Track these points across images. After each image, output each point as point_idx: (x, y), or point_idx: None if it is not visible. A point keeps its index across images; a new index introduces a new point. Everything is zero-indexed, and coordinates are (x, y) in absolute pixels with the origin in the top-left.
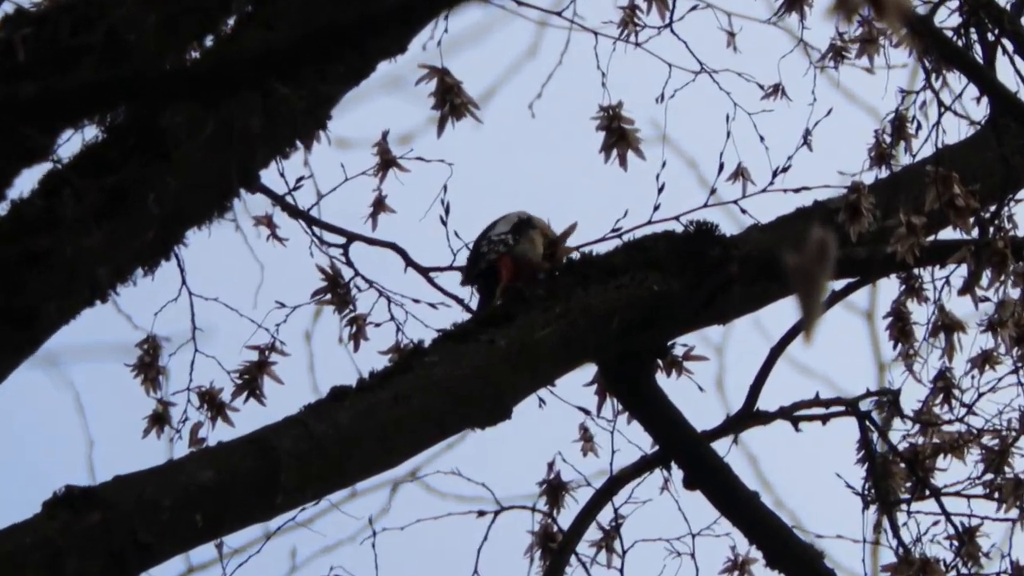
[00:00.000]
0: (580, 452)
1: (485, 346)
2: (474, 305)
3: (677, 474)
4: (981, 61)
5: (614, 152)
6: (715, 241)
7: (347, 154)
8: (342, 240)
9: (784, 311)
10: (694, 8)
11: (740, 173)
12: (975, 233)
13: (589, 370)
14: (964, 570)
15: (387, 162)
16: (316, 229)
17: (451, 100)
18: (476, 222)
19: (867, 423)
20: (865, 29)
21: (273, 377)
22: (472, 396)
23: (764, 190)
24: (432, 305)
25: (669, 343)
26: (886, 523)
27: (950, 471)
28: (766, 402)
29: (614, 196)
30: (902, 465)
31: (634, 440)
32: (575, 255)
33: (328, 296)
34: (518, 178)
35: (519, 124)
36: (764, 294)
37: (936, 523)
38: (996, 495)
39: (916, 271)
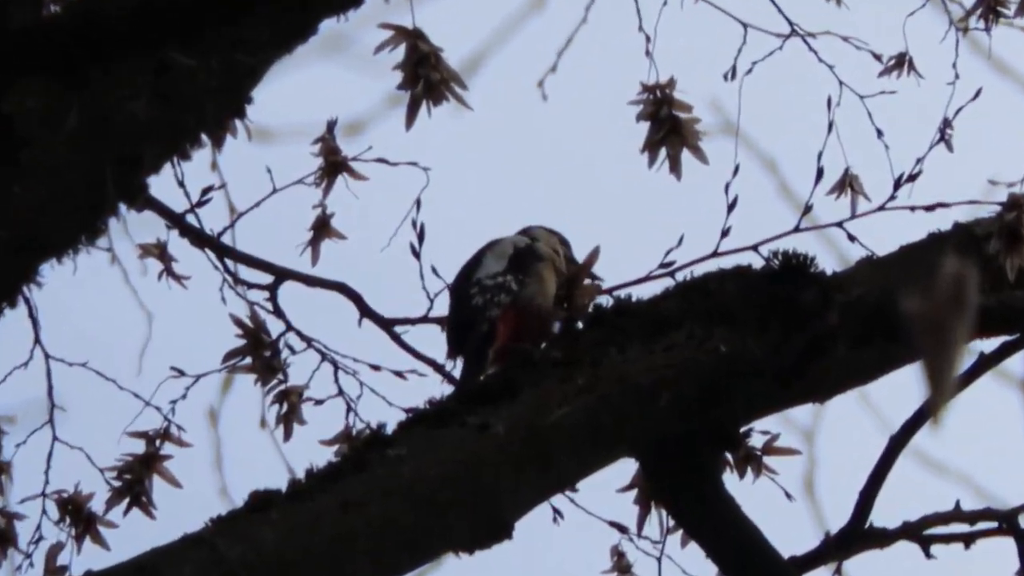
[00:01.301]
0: None
1: (475, 433)
2: (458, 374)
3: None
4: None
5: (662, 152)
6: (810, 281)
7: (275, 153)
8: (268, 279)
9: (908, 383)
10: None
11: (847, 183)
12: None
13: (626, 468)
14: None
15: (334, 165)
16: (230, 263)
17: (426, 75)
18: (462, 252)
19: None
20: None
21: (166, 477)
22: (456, 505)
23: (882, 208)
24: (398, 374)
25: (742, 429)
26: None
27: None
28: (882, 516)
29: (662, 216)
30: None
31: (691, 570)
32: (604, 299)
33: (247, 360)
34: (521, 188)
35: (523, 110)
36: (880, 358)
37: None
38: None
39: None
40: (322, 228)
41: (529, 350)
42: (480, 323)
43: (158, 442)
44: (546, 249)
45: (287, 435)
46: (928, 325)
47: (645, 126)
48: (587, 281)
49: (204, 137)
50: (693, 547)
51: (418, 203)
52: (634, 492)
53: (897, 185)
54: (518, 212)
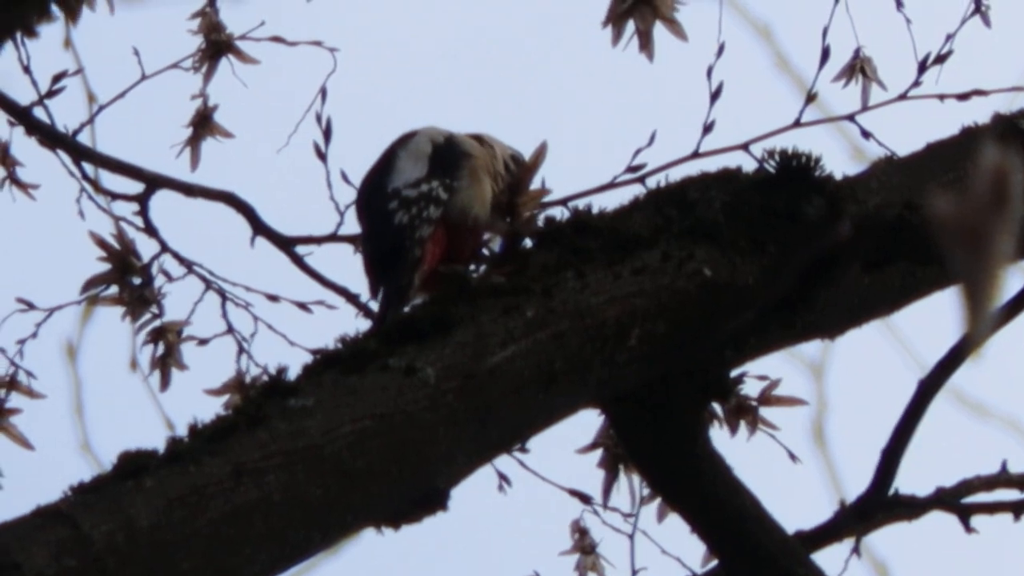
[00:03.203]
0: (574, 572)
1: (399, 379)
2: (376, 306)
3: None
4: None
5: (629, 26)
6: (814, 188)
7: (144, 30)
8: (137, 187)
9: (941, 313)
10: None
11: (858, 67)
12: None
13: (589, 423)
14: None
15: (217, 45)
16: (90, 167)
17: None
18: (375, 150)
19: None
20: None
21: (13, 436)
22: (375, 470)
23: (903, 96)
24: (301, 305)
25: (733, 374)
26: None
27: None
28: (910, 480)
29: (630, 109)
30: None
31: (672, 549)
32: (559, 211)
33: (112, 289)
34: (452, 74)
35: None
36: (904, 283)
37: None
38: None
39: None
40: (203, 124)
41: (465, 274)
42: (409, 248)
43: (3, 392)
44: (478, 145)
45: (164, 383)
46: (964, 238)
47: None
48: (535, 186)
49: (53, 7)
50: (673, 520)
51: (323, 92)
52: (598, 453)
53: (922, 68)
54: (449, 105)
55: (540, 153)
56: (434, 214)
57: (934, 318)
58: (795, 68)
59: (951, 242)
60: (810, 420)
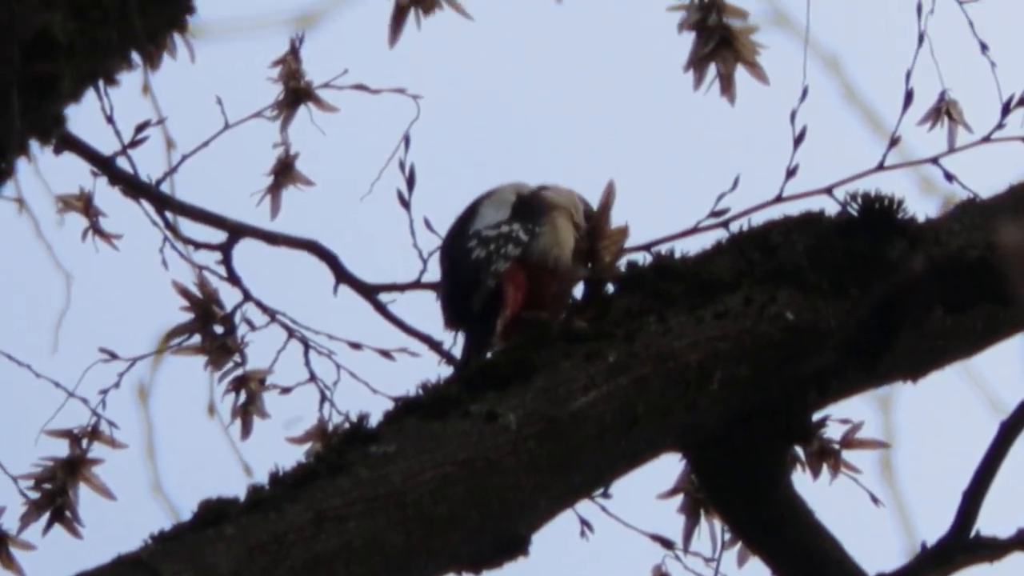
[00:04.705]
0: None
1: (481, 425)
2: (459, 351)
3: None
4: None
5: (711, 70)
6: (897, 231)
7: (223, 76)
8: (219, 236)
9: (1020, 354)
10: None
11: (943, 110)
12: None
13: (670, 468)
14: None
15: (297, 93)
16: (172, 217)
17: None
18: (462, 201)
19: None
20: None
21: (95, 486)
22: (457, 516)
23: (987, 139)
24: (384, 353)
25: (815, 417)
26: None
27: None
28: (991, 522)
29: (712, 153)
30: None
31: None
32: (641, 256)
33: (195, 338)
34: (533, 122)
35: (535, 21)
36: (986, 325)
37: None
38: None
39: None
40: (284, 172)
41: (546, 319)
42: (484, 280)
43: (85, 442)
44: (560, 195)
45: (245, 431)
46: None
47: (690, 37)
48: (611, 227)
49: (134, 56)
50: (754, 564)
51: (406, 140)
52: (679, 498)
53: (1006, 111)
54: (530, 151)
55: (609, 193)
56: (512, 252)
57: (1015, 362)
58: (865, 100)
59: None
60: (879, 456)
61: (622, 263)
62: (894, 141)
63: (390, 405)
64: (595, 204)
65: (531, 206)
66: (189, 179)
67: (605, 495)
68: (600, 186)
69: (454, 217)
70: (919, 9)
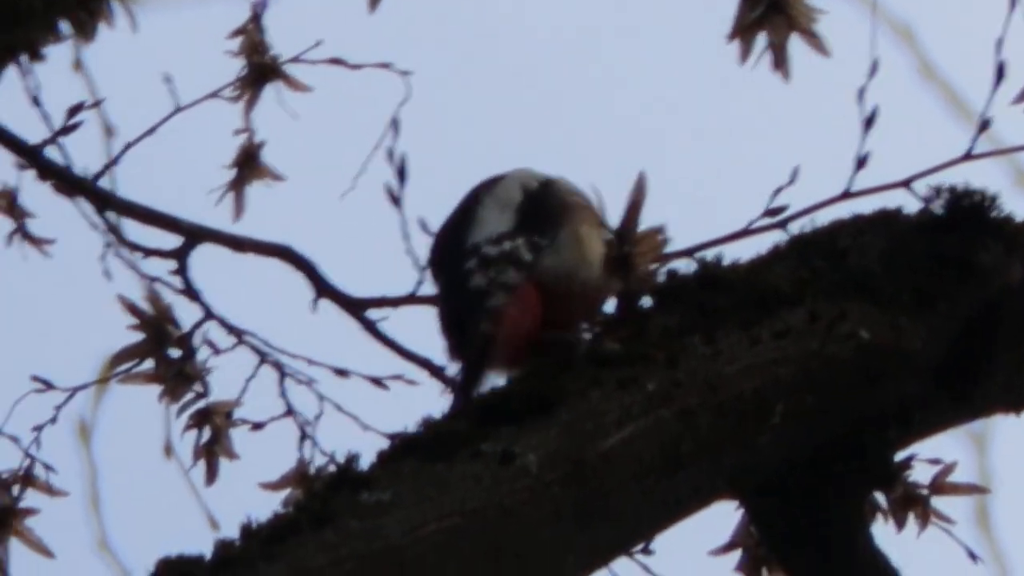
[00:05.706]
0: None
1: (494, 468)
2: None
3: None
4: None
5: (760, 39)
6: (991, 231)
7: (172, 50)
8: (174, 241)
9: None
10: None
11: None
12: None
13: (724, 518)
14: None
15: (262, 69)
16: (115, 217)
17: None
18: (459, 194)
19: None
20: None
21: (29, 541)
22: None
23: None
24: (375, 381)
25: (898, 458)
26: None
27: None
28: None
29: (765, 140)
30: None
31: None
32: (683, 264)
33: (146, 363)
34: (551, 99)
35: None
36: None
37: None
38: None
39: None
40: (248, 164)
41: (572, 341)
42: (477, 321)
43: (16, 489)
44: (575, 195)
45: (210, 475)
46: None
47: (734, 2)
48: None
49: (62, 25)
50: None
51: (395, 124)
52: (737, 554)
53: None
54: (540, 135)
55: (640, 187)
56: (513, 279)
57: None
58: (945, 77)
59: None
60: (975, 503)
61: (660, 273)
62: (983, 125)
63: (384, 444)
64: (623, 202)
65: (543, 208)
66: (134, 173)
67: (646, 551)
68: (628, 180)
69: (448, 213)
70: None
